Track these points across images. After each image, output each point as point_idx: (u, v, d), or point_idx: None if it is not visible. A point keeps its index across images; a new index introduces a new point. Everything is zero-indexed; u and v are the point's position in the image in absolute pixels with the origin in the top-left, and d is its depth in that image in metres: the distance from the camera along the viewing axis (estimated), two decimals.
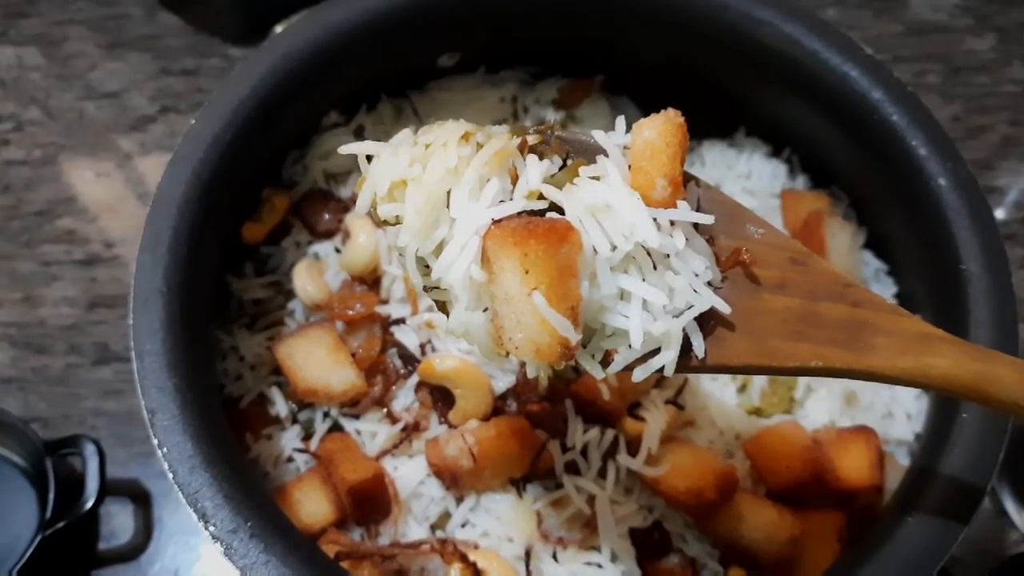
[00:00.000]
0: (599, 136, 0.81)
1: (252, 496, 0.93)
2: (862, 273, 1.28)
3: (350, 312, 1.16)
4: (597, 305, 0.75)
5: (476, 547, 1.07)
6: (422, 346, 1.16)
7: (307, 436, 1.15)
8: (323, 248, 1.25)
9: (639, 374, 0.78)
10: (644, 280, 0.76)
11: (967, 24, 1.71)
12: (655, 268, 0.76)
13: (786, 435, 1.12)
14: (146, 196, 1.52)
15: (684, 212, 0.78)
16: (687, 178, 0.82)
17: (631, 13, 1.26)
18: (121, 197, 1.53)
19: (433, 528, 1.10)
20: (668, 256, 0.77)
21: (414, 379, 1.15)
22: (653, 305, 0.76)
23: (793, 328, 0.82)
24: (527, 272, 0.71)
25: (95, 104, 1.60)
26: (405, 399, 1.15)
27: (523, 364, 0.76)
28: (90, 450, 1.20)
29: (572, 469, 1.10)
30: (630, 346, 0.76)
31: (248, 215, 1.24)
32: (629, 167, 0.79)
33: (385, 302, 1.19)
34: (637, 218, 0.75)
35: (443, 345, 1.15)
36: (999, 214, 1.54)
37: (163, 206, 1.05)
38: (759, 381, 1.19)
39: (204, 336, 1.10)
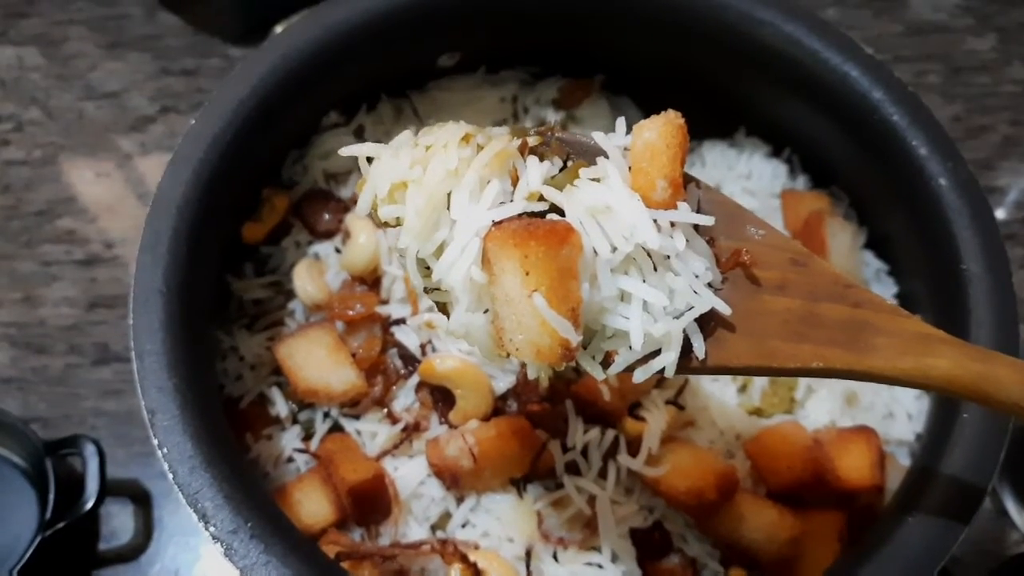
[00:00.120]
0: (599, 137, 0.81)
1: (252, 496, 0.93)
2: (863, 273, 1.28)
3: (350, 312, 1.16)
4: (597, 306, 0.75)
5: (476, 547, 1.07)
6: (422, 346, 1.15)
7: (307, 436, 1.15)
8: (323, 248, 1.25)
9: (640, 375, 0.78)
10: (644, 281, 0.76)
11: (968, 24, 1.71)
12: (655, 269, 0.76)
13: (787, 435, 1.12)
14: (146, 196, 1.52)
15: (684, 213, 0.78)
16: (687, 179, 0.82)
17: (631, 13, 1.26)
18: (121, 197, 1.53)
19: (433, 528, 1.10)
20: (668, 257, 0.76)
21: (414, 379, 1.15)
22: (653, 306, 0.76)
23: (794, 329, 0.82)
24: (528, 274, 0.71)
25: (95, 104, 1.60)
26: (405, 399, 1.15)
27: (524, 365, 0.76)
28: (90, 450, 1.20)
29: (572, 469, 1.10)
30: (630, 347, 0.76)
31: (248, 215, 1.23)
32: (629, 169, 0.79)
33: (385, 302, 1.19)
34: (637, 219, 0.75)
35: (443, 345, 1.15)
36: (1000, 214, 1.54)
37: (163, 206, 1.05)
38: (760, 381, 1.19)
39: (204, 336, 1.10)
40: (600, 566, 1.07)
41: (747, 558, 1.07)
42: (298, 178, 1.29)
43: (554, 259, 0.71)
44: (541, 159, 0.79)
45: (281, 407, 1.16)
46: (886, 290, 1.27)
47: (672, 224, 0.77)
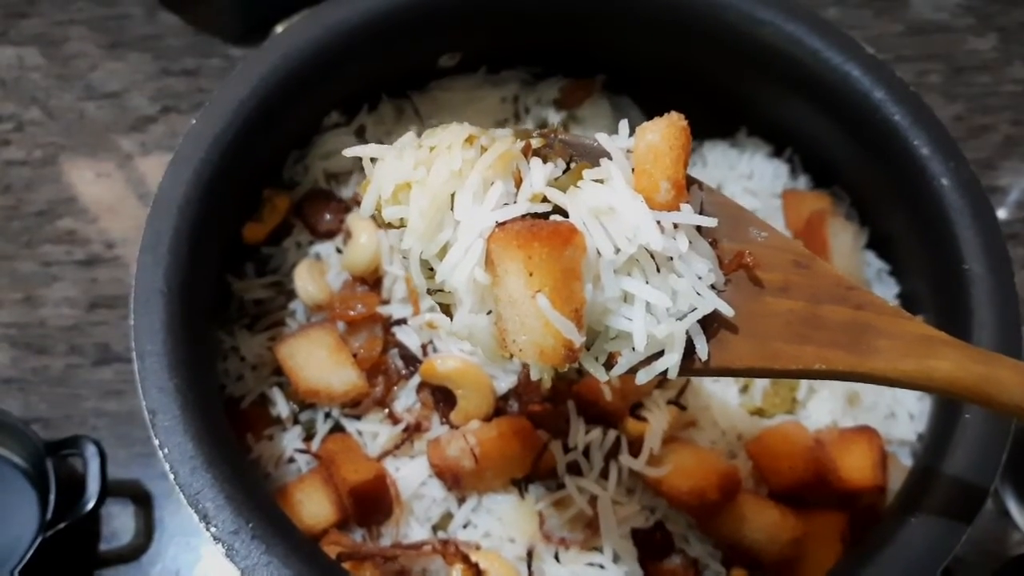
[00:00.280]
0: (602, 139, 0.81)
1: (253, 497, 0.93)
2: (864, 273, 1.28)
3: (351, 313, 1.16)
4: (600, 308, 0.75)
5: (478, 548, 1.07)
6: (423, 347, 1.15)
7: (308, 437, 1.15)
8: (324, 248, 1.25)
9: (642, 377, 0.78)
10: (647, 283, 0.76)
11: (969, 24, 1.71)
12: (658, 271, 0.76)
13: (788, 435, 1.12)
14: (147, 196, 1.52)
15: (687, 215, 0.78)
16: (690, 181, 0.82)
17: (632, 13, 1.26)
18: (122, 197, 1.53)
19: (435, 529, 1.10)
20: (671, 259, 0.77)
21: (415, 380, 1.15)
22: (656, 308, 0.76)
23: (796, 331, 0.82)
24: (531, 275, 0.71)
25: (95, 104, 1.60)
26: (406, 400, 1.15)
27: (526, 366, 0.76)
28: (91, 451, 1.20)
29: (574, 470, 1.10)
30: (633, 349, 0.76)
31: (249, 215, 1.23)
32: (632, 170, 0.79)
33: (386, 302, 1.19)
34: (641, 221, 0.75)
35: (444, 345, 1.15)
36: (1001, 214, 1.54)
37: (164, 206, 1.05)
38: (761, 382, 1.18)
39: (205, 336, 1.10)
40: (602, 566, 1.07)
41: (749, 559, 1.07)
42: (299, 178, 1.29)
43: (558, 260, 0.71)
44: (544, 161, 0.79)
45: (282, 407, 1.16)
46: (888, 290, 1.27)
47: (675, 226, 0.77)
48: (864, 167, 1.24)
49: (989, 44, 1.69)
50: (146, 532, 1.28)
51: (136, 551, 1.27)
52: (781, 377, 1.06)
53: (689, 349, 0.78)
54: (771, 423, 1.16)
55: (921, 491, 1.00)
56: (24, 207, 1.51)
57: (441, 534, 1.09)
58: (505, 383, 1.12)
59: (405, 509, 1.09)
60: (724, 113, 1.36)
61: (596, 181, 0.78)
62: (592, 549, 1.08)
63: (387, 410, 1.14)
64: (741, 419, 1.16)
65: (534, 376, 0.79)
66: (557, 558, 1.08)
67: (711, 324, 0.80)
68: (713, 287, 0.80)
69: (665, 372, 0.78)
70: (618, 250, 0.74)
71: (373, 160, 0.81)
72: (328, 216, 1.26)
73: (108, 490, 1.20)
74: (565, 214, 0.76)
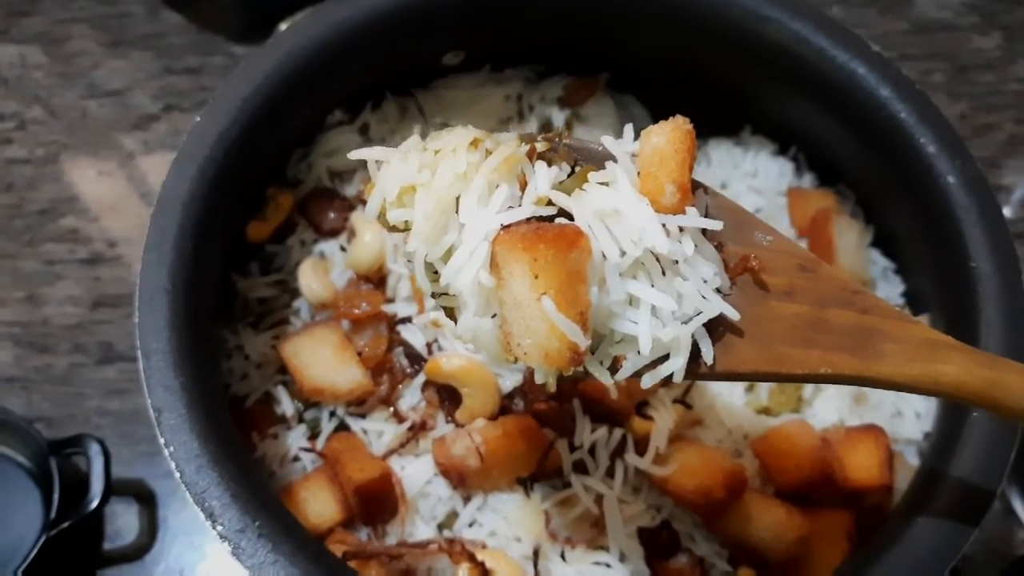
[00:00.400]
0: (608, 142, 0.80)
1: (259, 495, 0.92)
2: (869, 271, 1.27)
3: (356, 311, 1.16)
4: (606, 311, 0.75)
5: (484, 547, 1.06)
6: (428, 345, 1.15)
7: (313, 435, 1.15)
8: (328, 247, 1.25)
9: (647, 381, 0.77)
10: (653, 286, 0.75)
11: (973, 22, 1.70)
12: (664, 274, 0.76)
13: (794, 434, 1.11)
14: (149, 195, 1.52)
15: (693, 218, 0.77)
16: (695, 185, 0.82)
17: (636, 10, 1.26)
18: (124, 196, 1.53)
19: (440, 528, 1.10)
20: (677, 262, 0.76)
21: (420, 378, 1.14)
22: (662, 311, 0.75)
23: (802, 335, 0.82)
24: (536, 277, 0.71)
25: (98, 102, 1.59)
26: (411, 398, 1.14)
27: (531, 368, 0.75)
28: (95, 450, 1.19)
29: (580, 468, 1.10)
30: (639, 352, 0.75)
31: (253, 213, 1.23)
32: (638, 174, 0.78)
33: (391, 301, 1.18)
34: (646, 224, 0.74)
35: (450, 344, 1.15)
36: (1006, 212, 1.53)
37: (168, 204, 1.04)
38: None
39: (210, 335, 1.10)
40: (608, 565, 1.06)
41: (755, 557, 1.07)
42: (303, 176, 1.29)
43: (563, 262, 0.71)
44: (549, 164, 0.79)
45: (287, 406, 1.15)
46: (893, 288, 1.27)
47: (681, 229, 0.77)
48: (869, 165, 1.23)
49: (993, 43, 1.69)
50: (150, 531, 1.28)
51: (140, 550, 1.27)
52: (786, 381, 1.06)
53: (694, 353, 0.78)
54: (777, 422, 1.15)
55: (928, 491, 1.00)
56: (26, 205, 1.50)
57: (447, 533, 1.09)
58: (510, 381, 1.12)
59: (410, 508, 1.09)
60: (728, 111, 1.35)
61: (601, 184, 0.77)
62: (598, 548, 1.07)
63: (392, 409, 1.14)
64: (747, 418, 1.16)
65: (538, 379, 0.79)
66: (563, 557, 1.07)
67: (716, 328, 0.79)
68: (719, 291, 0.79)
69: (670, 376, 0.77)
70: (623, 253, 0.74)
71: (378, 163, 0.81)
72: (332, 214, 1.26)
73: (112, 489, 1.19)
74: (570, 218, 0.75)
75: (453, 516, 1.10)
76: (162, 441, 0.93)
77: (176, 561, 1.27)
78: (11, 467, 1.25)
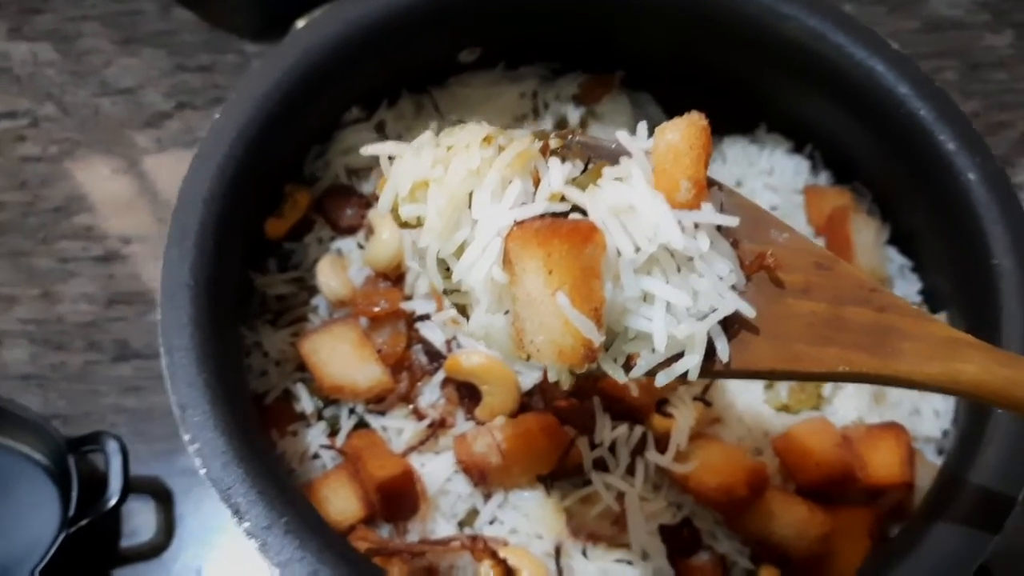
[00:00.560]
0: (622, 138, 0.80)
1: (285, 492, 0.92)
2: (887, 269, 1.27)
3: (375, 308, 1.15)
4: (620, 307, 0.74)
5: (505, 544, 1.06)
6: (448, 342, 1.15)
7: (333, 432, 1.14)
8: (346, 244, 1.24)
9: (662, 379, 0.77)
10: (668, 282, 0.75)
11: (984, 20, 1.70)
12: (679, 270, 0.75)
13: (815, 432, 1.11)
14: (162, 193, 1.52)
15: (708, 214, 0.77)
16: (710, 183, 0.81)
17: (652, 7, 1.26)
18: (137, 193, 1.52)
19: (461, 525, 1.09)
20: (692, 259, 0.76)
21: (440, 375, 1.14)
22: (677, 308, 0.75)
23: (819, 333, 0.81)
24: (550, 273, 0.70)
25: (110, 100, 1.59)
26: (431, 395, 1.14)
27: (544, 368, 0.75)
28: (113, 447, 1.19)
29: (600, 466, 1.10)
30: (653, 350, 0.75)
31: (270, 211, 1.23)
32: (652, 170, 0.78)
33: (409, 298, 1.18)
34: (661, 220, 0.74)
35: (469, 341, 1.14)
36: None
37: (189, 200, 1.04)
38: None
39: (231, 332, 1.10)
40: (630, 563, 1.06)
41: (777, 555, 1.07)
42: (320, 174, 1.28)
43: (577, 258, 0.71)
44: (562, 161, 0.78)
45: (306, 403, 1.15)
46: (910, 286, 1.27)
47: (696, 225, 0.76)
48: (887, 162, 1.23)
49: (1005, 41, 1.68)
50: (166, 529, 1.27)
51: (156, 548, 1.27)
52: (803, 379, 1.06)
53: (710, 351, 0.77)
54: (797, 420, 1.15)
55: (951, 490, 0.99)
56: (40, 203, 1.50)
57: (467, 530, 1.09)
58: (530, 379, 1.12)
59: (431, 505, 1.09)
60: (744, 109, 1.35)
61: (616, 180, 0.77)
62: (620, 546, 1.07)
63: (412, 406, 1.14)
64: (767, 416, 1.16)
65: (551, 378, 0.79)
66: (585, 554, 1.07)
67: (732, 325, 0.79)
68: (734, 288, 0.79)
69: (685, 374, 0.77)
70: (638, 249, 0.73)
71: (391, 158, 0.81)
72: (349, 211, 1.26)
73: (129, 487, 1.19)
74: (584, 214, 0.75)
75: (474, 513, 1.09)
76: (187, 438, 0.92)
77: (193, 559, 1.26)
78: (29, 465, 1.24)
